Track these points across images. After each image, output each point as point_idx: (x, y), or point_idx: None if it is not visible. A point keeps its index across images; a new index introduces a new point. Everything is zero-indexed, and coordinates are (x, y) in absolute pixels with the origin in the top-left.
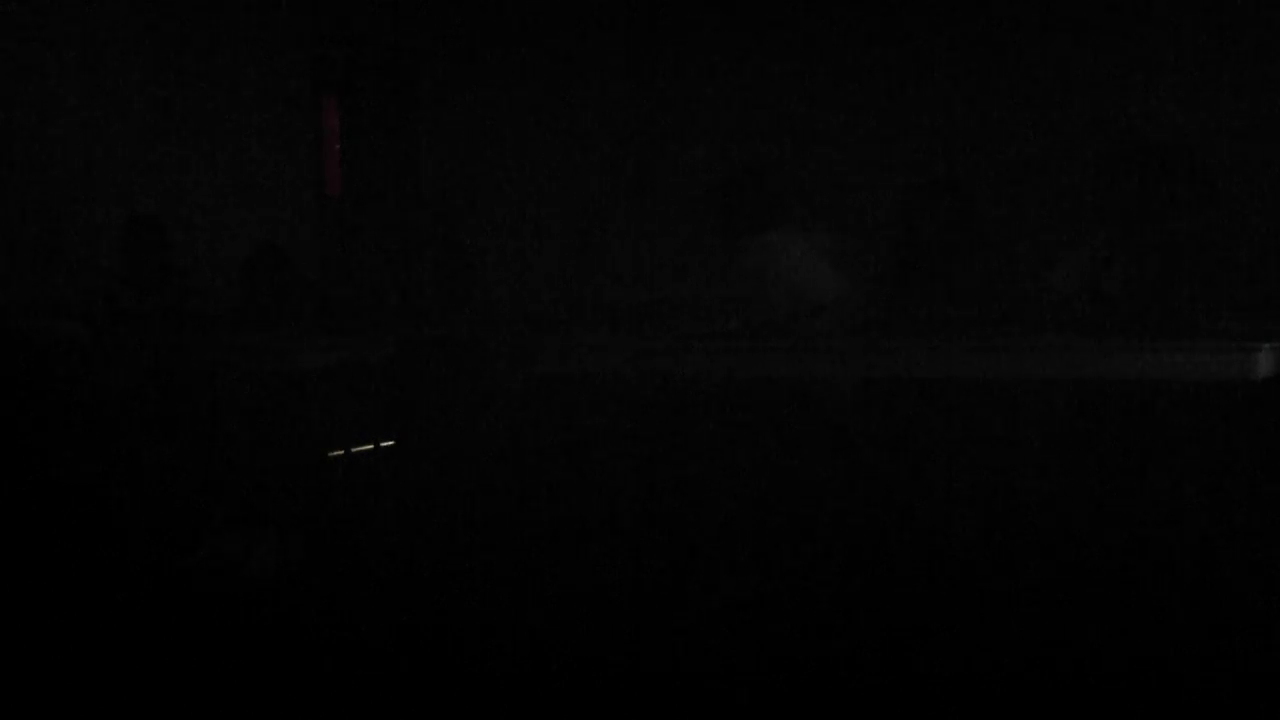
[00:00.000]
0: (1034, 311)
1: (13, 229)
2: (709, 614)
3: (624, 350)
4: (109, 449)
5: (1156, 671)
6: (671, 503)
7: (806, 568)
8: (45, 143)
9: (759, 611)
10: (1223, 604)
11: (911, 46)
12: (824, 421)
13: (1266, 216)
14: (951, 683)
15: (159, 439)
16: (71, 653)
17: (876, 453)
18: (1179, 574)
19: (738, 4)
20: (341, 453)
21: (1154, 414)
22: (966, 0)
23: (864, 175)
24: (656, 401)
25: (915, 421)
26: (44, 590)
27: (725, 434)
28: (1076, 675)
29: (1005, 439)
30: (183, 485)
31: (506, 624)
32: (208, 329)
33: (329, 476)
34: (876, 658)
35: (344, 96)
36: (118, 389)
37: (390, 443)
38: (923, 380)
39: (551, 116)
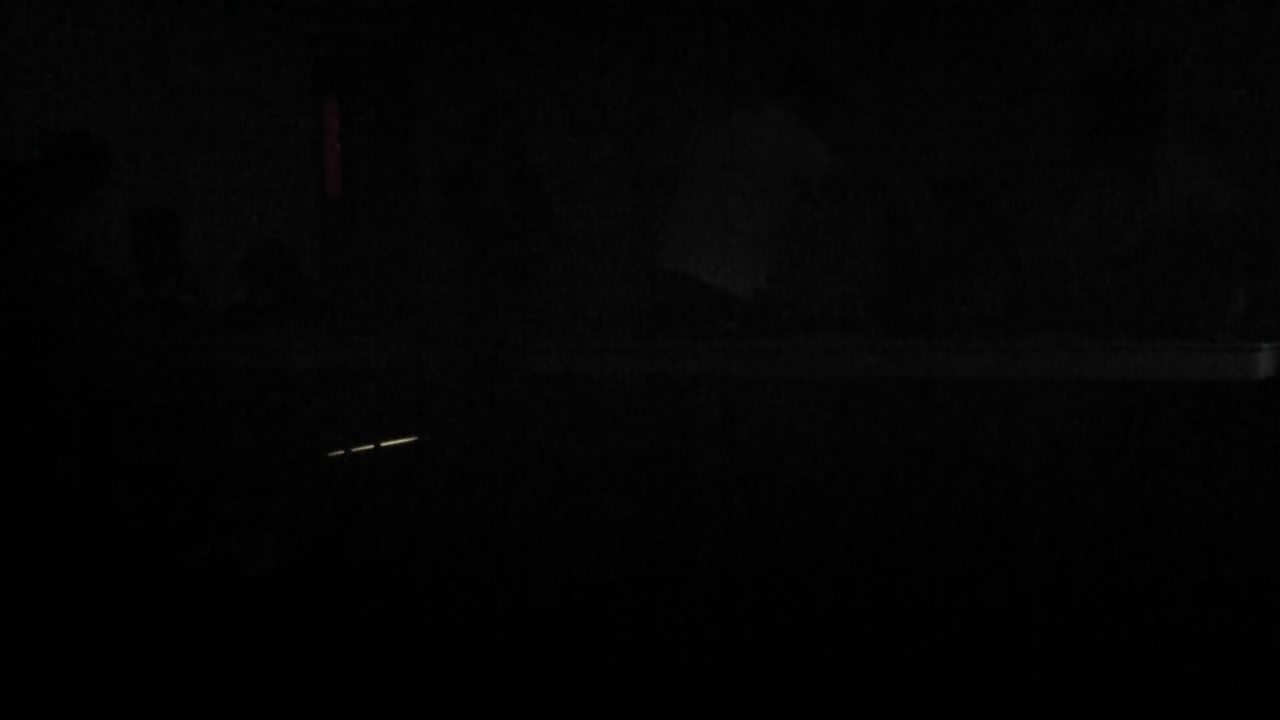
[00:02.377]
0: (1033, 311)
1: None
2: (708, 614)
3: (624, 350)
4: (109, 449)
5: (1156, 672)
6: (671, 502)
7: (806, 568)
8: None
9: (758, 611)
10: (1223, 604)
11: (912, 45)
12: (823, 421)
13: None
14: (951, 683)
15: (159, 439)
16: (72, 652)
17: (876, 453)
18: (1179, 574)
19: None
20: (341, 453)
21: (1154, 414)
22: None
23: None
24: (656, 401)
25: (915, 422)
26: (44, 590)
27: (724, 434)
28: (1075, 675)
29: (1005, 439)
30: (183, 485)
31: (506, 624)
32: (208, 328)
33: (329, 476)
34: (875, 658)
35: (344, 96)
36: (118, 389)
37: (392, 443)
38: (923, 380)
39: (552, 116)
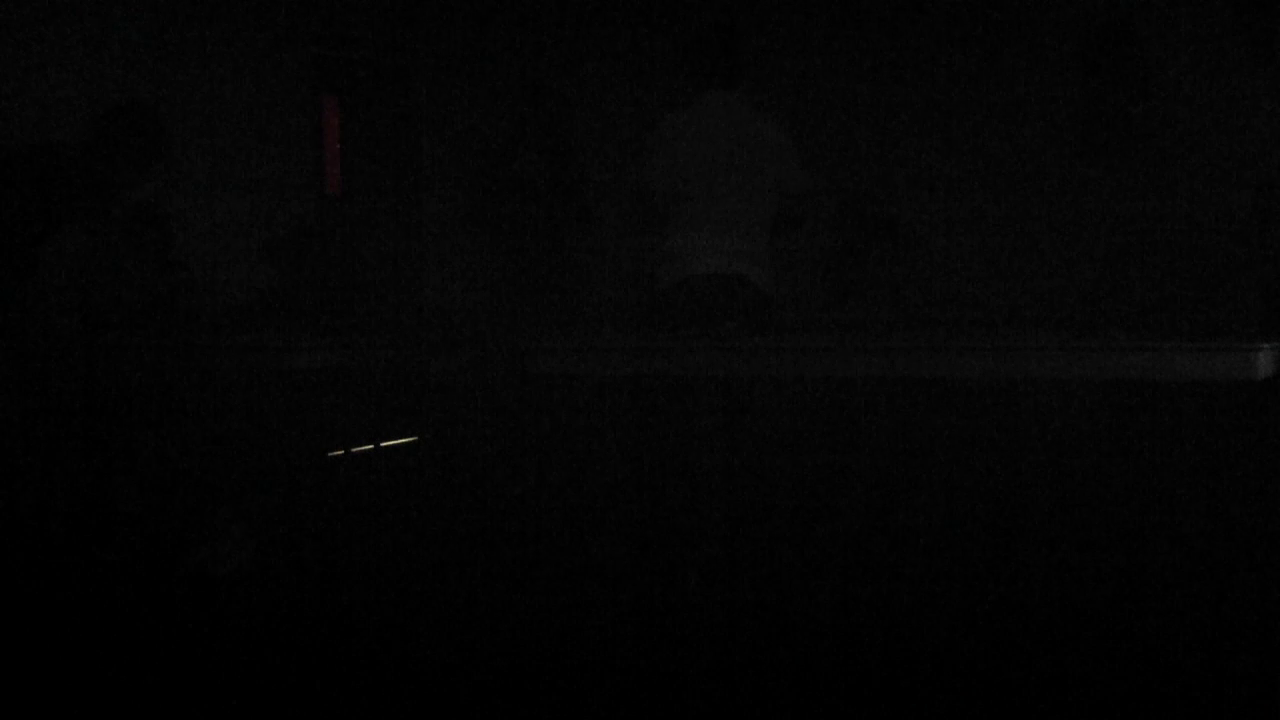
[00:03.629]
0: (1033, 311)
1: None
2: (708, 614)
3: (624, 350)
4: (109, 449)
5: (1156, 672)
6: (670, 502)
7: (805, 568)
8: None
9: (758, 611)
10: (1223, 604)
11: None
12: (824, 421)
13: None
14: (951, 682)
15: (159, 439)
16: (70, 651)
17: (876, 453)
18: (1179, 574)
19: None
20: (341, 453)
21: (1154, 414)
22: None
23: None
24: (656, 401)
25: (915, 422)
26: (43, 589)
27: (724, 433)
28: (1074, 674)
29: (1005, 439)
30: (182, 485)
31: (505, 624)
32: (208, 327)
33: (329, 476)
34: (875, 658)
35: (344, 96)
36: (118, 389)
37: (392, 443)
38: (923, 380)
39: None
